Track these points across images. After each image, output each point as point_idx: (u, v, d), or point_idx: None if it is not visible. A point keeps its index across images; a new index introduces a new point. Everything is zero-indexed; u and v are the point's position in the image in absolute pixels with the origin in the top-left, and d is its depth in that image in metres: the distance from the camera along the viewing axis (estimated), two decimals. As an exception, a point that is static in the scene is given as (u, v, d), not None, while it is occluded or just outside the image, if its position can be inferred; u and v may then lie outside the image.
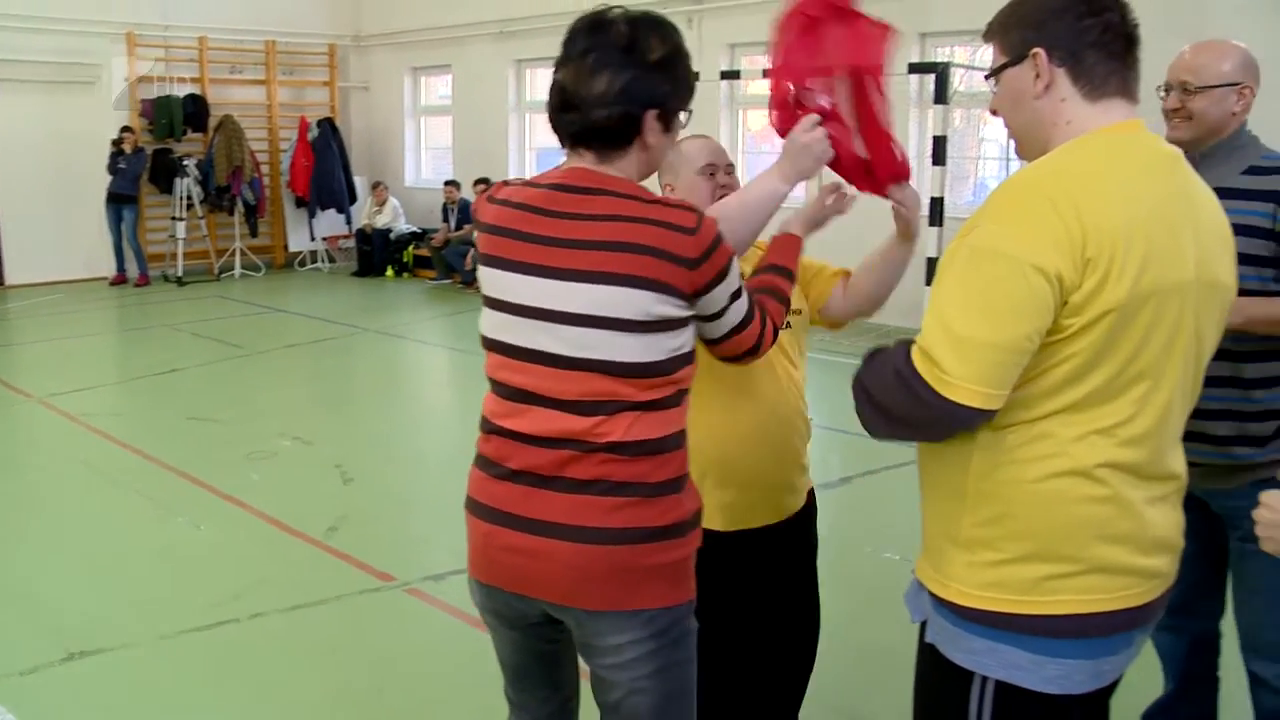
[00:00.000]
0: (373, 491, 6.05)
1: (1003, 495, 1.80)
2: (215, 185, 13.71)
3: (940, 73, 8.05)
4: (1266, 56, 2.79)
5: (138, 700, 3.78)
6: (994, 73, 1.92)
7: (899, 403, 1.79)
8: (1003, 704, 1.84)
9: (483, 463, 2.14)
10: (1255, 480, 2.58)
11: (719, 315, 2.06)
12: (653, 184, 2.72)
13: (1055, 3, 1.83)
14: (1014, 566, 1.80)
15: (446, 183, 13.74)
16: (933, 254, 7.23)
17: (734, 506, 2.63)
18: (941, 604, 1.89)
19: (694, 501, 2.13)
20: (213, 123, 13.90)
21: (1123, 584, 1.81)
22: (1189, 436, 2.54)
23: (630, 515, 2.00)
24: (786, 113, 2.39)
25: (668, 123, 2.07)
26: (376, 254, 14.27)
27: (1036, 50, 1.82)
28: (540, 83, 13.44)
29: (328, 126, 14.65)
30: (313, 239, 14.85)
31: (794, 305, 2.62)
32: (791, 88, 2.38)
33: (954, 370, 1.71)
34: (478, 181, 12.91)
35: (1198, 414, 2.56)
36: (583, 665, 2.20)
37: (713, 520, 2.60)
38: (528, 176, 2.17)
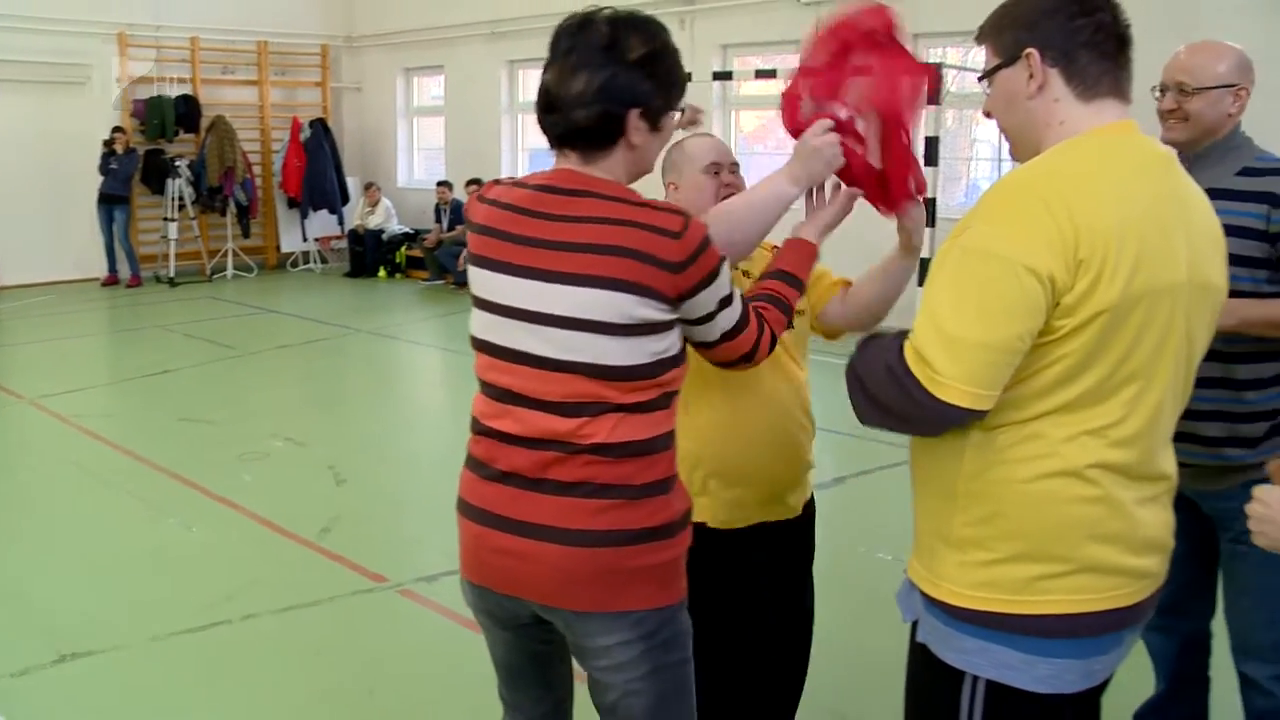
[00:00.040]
0: (365, 492, 6.05)
1: (994, 495, 1.80)
2: (207, 186, 13.69)
3: (932, 74, 8.06)
4: (1259, 57, 2.79)
5: (129, 702, 3.77)
6: (987, 74, 1.92)
7: (891, 397, 1.80)
8: (994, 704, 1.85)
9: (473, 464, 2.14)
10: (1246, 481, 2.57)
11: (707, 320, 2.04)
12: (655, 184, 2.74)
13: (1047, 3, 1.83)
14: (1005, 566, 1.80)
15: (439, 183, 13.73)
16: (925, 254, 7.23)
17: (741, 504, 2.63)
18: (933, 603, 1.89)
19: (682, 502, 2.12)
20: (205, 123, 13.88)
21: (1113, 584, 1.81)
22: (1180, 437, 2.55)
23: (615, 517, 2.00)
24: (797, 114, 2.36)
25: (654, 122, 2.05)
26: (369, 255, 14.26)
27: (1030, 51, 1.82)
28: (533, 83, 13.39)
29: (320, 127, 14.63)
30: (305, 240, 14.83)
31: (798, 306, 2.64)
32: (808, 98, 2.34)
33: (945, 370, 1.72)
34: (470, 182, 12.91)
35: (1189, 415, 2.57)
36: (579, 668, 2.19)
37: (718, 517, 2.62)
38: (519, 176, 2.17)
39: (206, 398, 8.12)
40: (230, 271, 14.09)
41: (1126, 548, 1.81)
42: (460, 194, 13.28)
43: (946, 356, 1.72)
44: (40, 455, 6.72)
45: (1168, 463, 1.91)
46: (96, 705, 3.75)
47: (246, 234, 14.33)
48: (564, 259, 1.97)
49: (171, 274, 13.39)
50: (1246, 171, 2.68)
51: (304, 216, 14.62)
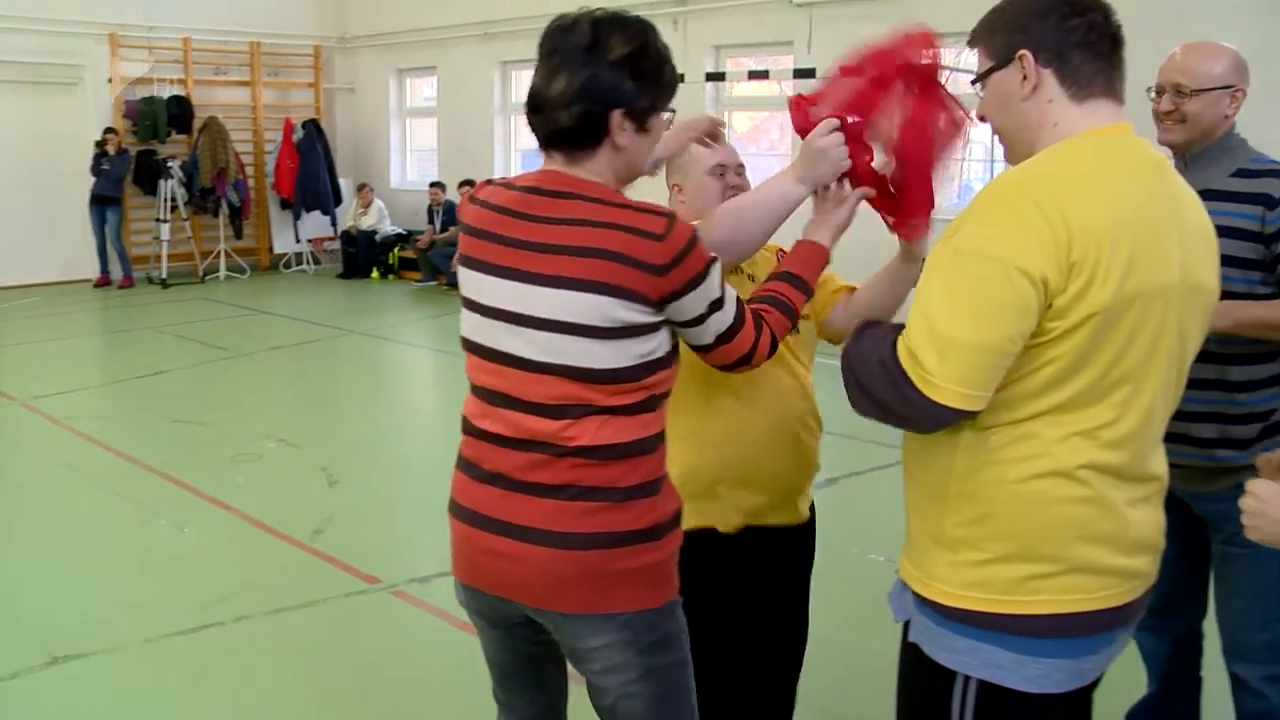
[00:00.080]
0: (358, 494, 6.04)
1: (986, 496, 1.81)
2: (200, 187, 13.65)
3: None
4: (1252, 57, 2.79)
5: (122, 704, 3.77)
6: (980, 77, 1.92)
7: (884, 394, 1.81)
8: (985, 703, 1.85)
9: (464, 465, 2.14)
10: (1238, 483, 2.58)
11: (698, 323, 2.03)
12: (660, 186, 2.73)
13: (1040, 5, 1.83)
14: (997, 566, 1.80)
15: (432, 184, 13.72)
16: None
17: (750, 509, 2.60)
18: (924, 603, 1.90)
19: (671, 504, 2.12)
20: (197, 124, 13.84)
21: (1104, 584, 1.81)
22: (1173, 438, 2.55)
23: (601, 520, 2.00)
24: (806, 114, 2.31)
25: (640, 123, 2.03)
26: (362, 256, 14.24)
27: (1023, 52, 1.83)
28: (525, 84, 13.36)
29: (313, 128, 14.61)
30: (298, 241, 14.80)
31: (802, 311, 2.62)
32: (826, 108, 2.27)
33: (937, 370, 1.72)
34: (463, 183, 12.87)
35: (1182, 416, 2.57)
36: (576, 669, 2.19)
37: (729, 522, 2.59)
38: (510, 177, 2.16)
39: (199, 399, 8.10)
40: (223, 273, 14.06)
41: (1117, 548, 1.82)
42: (453, 195, 13.26)
43: (938, 357, 1.72)
44: (32, 457, 6.71)
45: (1159, 463, 1.91)
46: (89, 707, 3.74)
47: (239, 235, 14.30)
48: (547, 261, 1.97)
49: (164, 275, 13.36)
50: (1241, 173, 2.67)
51: (297, 218, 14.59)
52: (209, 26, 14.08)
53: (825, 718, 3.51)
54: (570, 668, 2.23)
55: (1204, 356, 2.55)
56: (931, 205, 2.31)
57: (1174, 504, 2.76)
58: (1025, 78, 1.83)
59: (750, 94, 11.75)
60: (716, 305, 2.02)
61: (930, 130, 2.21)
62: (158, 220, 13.38)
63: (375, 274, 14.24)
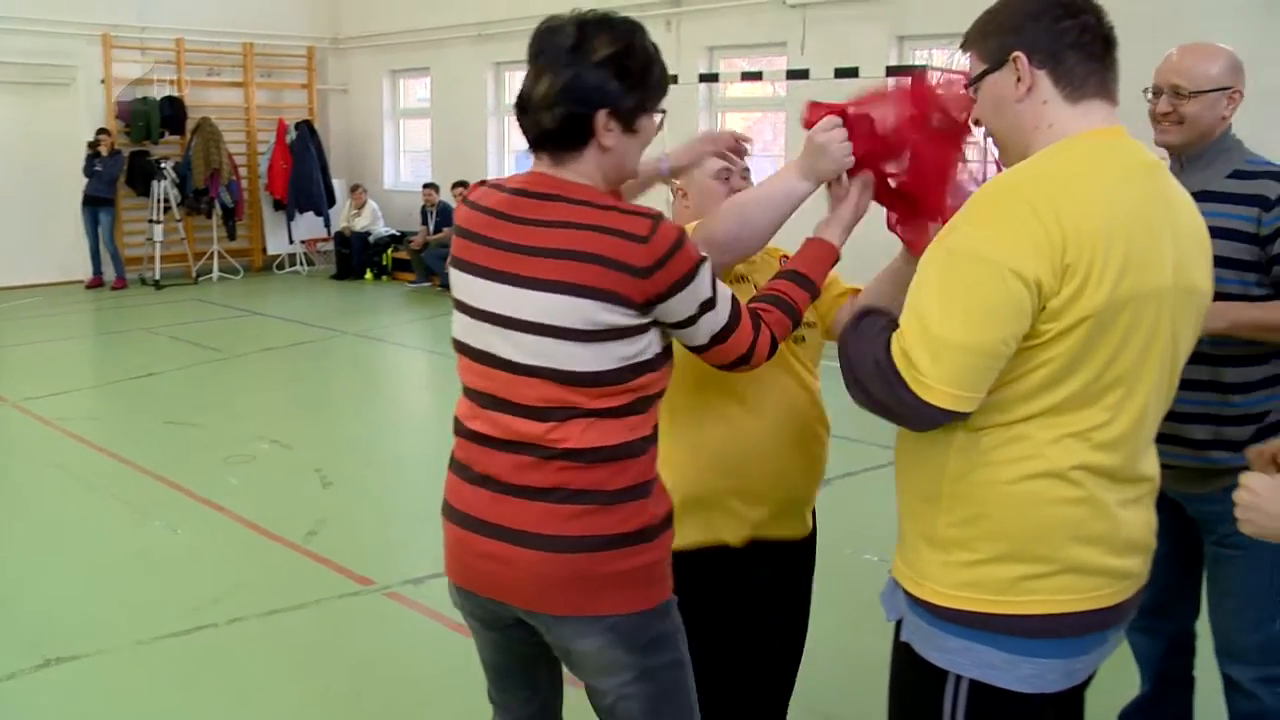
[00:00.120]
0: (352, 495, 6.03)
1: (978, 496, 1.81)
2: (193, 188, 13.63)
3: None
4: (1247, 58, 2.78)
5: (115, 706, 3.76)
6: (974, 80, 1.92)
7: (878, 391, 1.81)
8: (977, 703, 1.86)
9: (456, 466, 2.15)
10: (1231, 485, 2.58)
11: (689, 324, 2.01)
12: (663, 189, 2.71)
13: (1032, 7, 1.84)
14: (989, 567, 1.81)
15: (425, 185, 13.70)
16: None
17: (757, 520, 2.56)
18: (917, 603, 1.90)
19: (662, 506, 2.11)
20: (190, 125, 13.83)
21: (1096, 584, 1.82)
22: (1166, 439, 2.54)
23: (588, 523, 1.99)
24: (817, 114, 2.25)
25: (627, 123, 2.01)
26: (355, 257, 14.23)
27: (1017, 54, 1.83)
28: (518, 85, 13.42)
29: (306, 129, 14.60)
30: (291, 242, 14.79)
31: (808, 319, 2.55)
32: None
33: (929, 372, 1.73)
34: (456, 184, 12.90)
35: (1176, 417, 2.57)
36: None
37: (735, 535, 2.55)
38: (502, 179, 2.16)
39: (192, 400, 8.09)
40: (216, 274, 14.04)
41: (1109, 549, 1.82)
42: (447, 196, 13.27)
43: (931, 358, 1.73)
44: (24, 458, 6.69)
45: (1150, 464, 1.92)
46: (81, 710, 3.73)
47: (232, 236, 14.28)
48: (531, 264, 1.96)
49: (157, 276, 13.34)
50: (1237, 174, 2.67)
51: (290, 219, 14.58)
52: (202, 27, 14.07)
53: (817, 717, 3.52)
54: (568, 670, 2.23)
55: (1198, 358, 2.55)
56: (945, 215, 2.27)
57: (1167, 505, 2.76)
58: (1019, 79, 1.83)
59: (743, 95, 11.76)
60: (708, 305, 2.01)
61: (951, 173, 2.18)
62: (151, 221, 13.36)
63: (369, 275, 14.23)
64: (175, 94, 13.85)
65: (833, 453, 2.67)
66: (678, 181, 2.67)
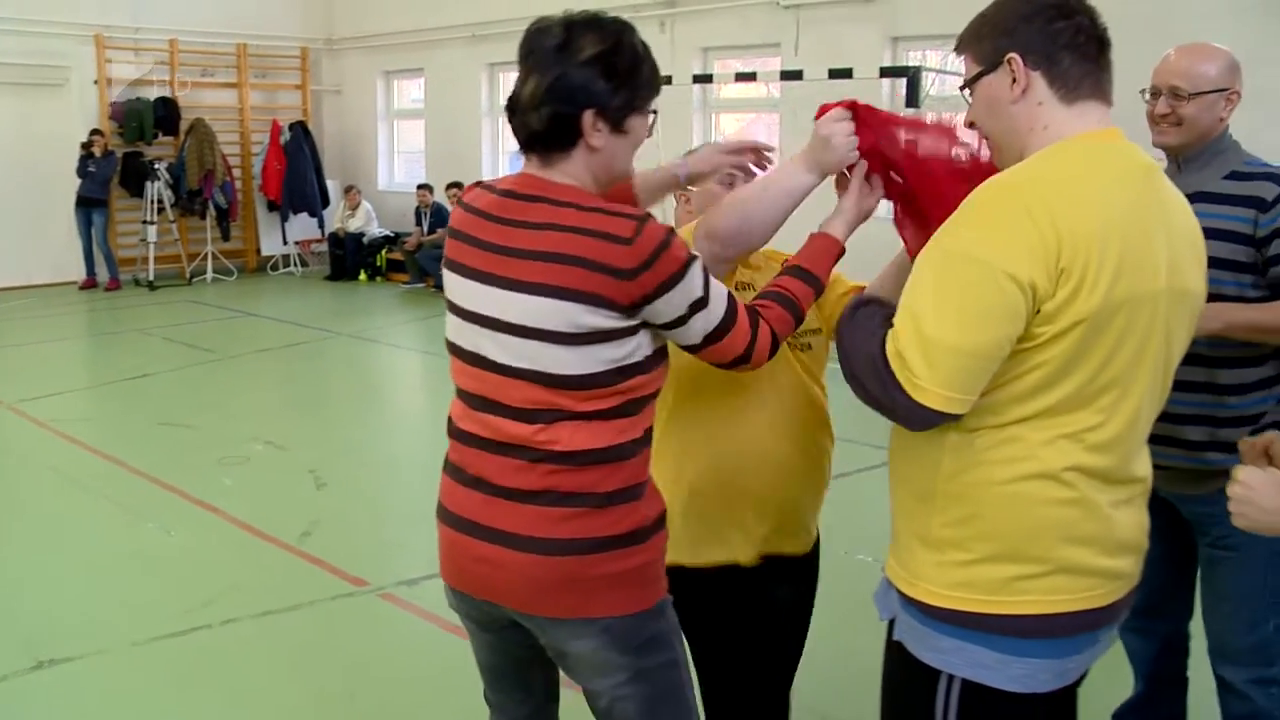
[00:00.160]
0: (346, 496, 6.03)
1: (972, 497, 1.82)
2: (187, 189, 13.62)
3: (911, 77, 8.10)
4: (1242, 60, 2.78)
5: (108, 708, 3.76)
6: (969, 83, 1.92)
7: (872, 387, 1.82)
8: (969, 702, 1.86)
9: (449, 468, 2.14)
10: (1226, 486, 2.59)
11: (680, 324, 1.97)
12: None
13: (1026, 8, 1.84)
14: (982, 567, 1.81)
15: (419, 186, 13.72)
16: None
17: (764, 535, 2.51)
18: (910, 602, 1.90)
19: (654, 507, 2.09)
20: (184, 126, 13.82)
21: (1088, 585, 1.82)
22: (1162, 440, 2.54)
23: (579, 526, 1.98)
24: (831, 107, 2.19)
25: (615, 123, 1.99)
26: (349, 258, 14.22)
27: (1011, 55, 1.83)
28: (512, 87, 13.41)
29: (300, 130, 14.59)
30: (285, 243, 14.77)
31: (813, 325, 2.51)
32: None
33: (922, 374, 1.73)
34: (450, 185, 12.90)
35: (1171, 418, 2.57)
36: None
37: (747, 553, 2.50)
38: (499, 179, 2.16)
39: (186, 402, 8.08)
40: (210, 275, 14.03)
41: (1101, 549, 1.82)
42: (441, 197, 13.27)
43: (924, 360, 1.73)
44: (17, 460, 6.68)
45: (1143, 465, 1.92)
46: (75, 712, 3.73)
47: (226, 237, 14.27)
48: (517, 266, 1.95)
49: (150, 277, 13.32)
50: (1234, 175, 2.66)
51: (284, 219, 14.57)
52: (195, 28, 14.06)
53: (811, 716, 3.52)
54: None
55: (1194, 359, 2.55)
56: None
57: (1161, 506, 2.77)
58: (1015, 81, 1.83)
59: (738, 96, 11.77)
60: (699, 305, 1.97)
61: (962, 174, 2.08)
62: (144, 222, 13.34)
63: (363, 276, 14.23)
64: (169, 95, 13.84)
65: (827, 453, 2.65)
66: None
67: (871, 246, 2.66)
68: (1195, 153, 2.70)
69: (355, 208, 14.40)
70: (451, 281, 2.09)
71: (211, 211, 13.94)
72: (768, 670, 2.69)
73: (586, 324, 1.91)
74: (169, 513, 5.62)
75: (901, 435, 1.92)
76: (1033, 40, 1.82)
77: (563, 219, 1.94)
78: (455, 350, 2.10)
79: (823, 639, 3.72)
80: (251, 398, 8.43)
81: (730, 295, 2.03)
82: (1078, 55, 1.82)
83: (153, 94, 13.72)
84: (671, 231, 1.95)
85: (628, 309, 1.92)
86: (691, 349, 2.04)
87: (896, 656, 1.95)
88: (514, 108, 2.02)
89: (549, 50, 1.96)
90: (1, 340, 10.39)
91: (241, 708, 3.74)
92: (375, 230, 14.38)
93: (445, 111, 14.19)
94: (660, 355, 2.05)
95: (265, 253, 14.88)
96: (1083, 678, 1.99)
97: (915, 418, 1.79)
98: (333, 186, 14.94)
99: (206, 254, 14.03)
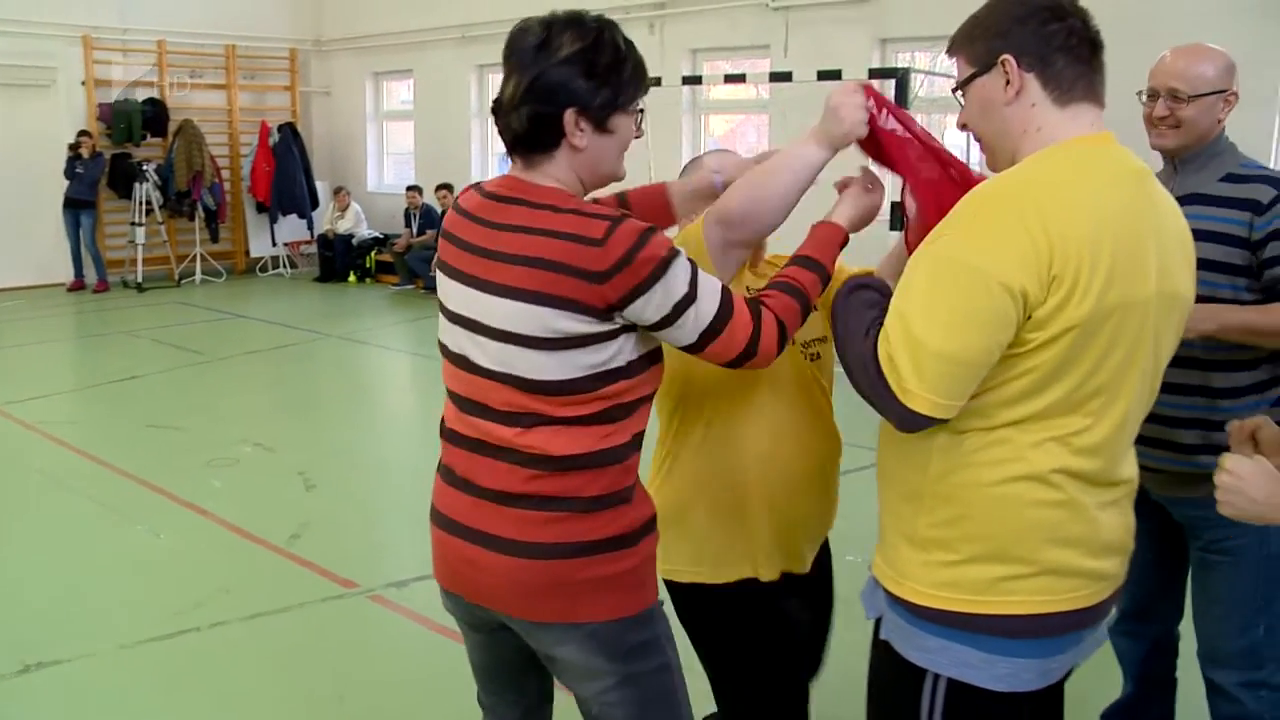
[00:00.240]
0: (335, 498, 6.02)
1: (960, 498, 1.82)
2: (175, 190, 13.57)
3: (900, 78, 8.10)
4: (1239, 61, 2.78)
5: (96, 712, 3.74)
6: (962, 84, 1.92)
7: (864, 386, 1.83)
8: (954, 701, 1.87)
9: (442, 470, 2.14)
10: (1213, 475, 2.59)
11: (668, 324, 1.92)
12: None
13: (1019, 10, 1.84)
14: (969, 567, 1.82)
15: (409, 188, 13.68)
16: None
17: (785, 551, 2.50)
18: (896, 601, 1.91)
19: (643, 511, 2.07)
20: (172, 127, 13.77)
21: (1074, 585, 1.83)
22: (1155, 443, 2.54)
23: (564, 530, 1.96)
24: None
25: (598, 122, 1.95)
26: (338, 259, 14.19)
27: (1005, 57, 1.83)
28: (503, 88, 13.39)
29: (289, 131, 14.55)
30: (274, 244, 14.74)
31: (820, 334, 2.47)
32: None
33: (911, 379, 1.74)
34: (440, 187, 12.88)
35: (1164, 421, 2.57)
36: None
37: (769, 570, 2.48)
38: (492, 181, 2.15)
39: (175, 404, 8.06)
40: (199, 276, 13.99)
41: (1087, 551, 1.83)
42: (430, 198, 13.25)
43: (913, 365, 1.74)
44: (4, 463, 6.64)
45: (1129, 467, 1.93)
46: (62, 716, 3.71)
47: (215, 239, 14.22)
48: (496, 269, 1.94)
49: (139, 279, 13.27)
50: (1230, 178, 2.65)
51: (273, 221, 14.54)
52: (184, 29, 14.00)
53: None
54: None
55: (1188, 363, 2.55)
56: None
57: (1153, 509, 2.78)
58: (1008, 83, 1.84)
59: (727, 97, 11.78)
60: (687, 301, 1.91)
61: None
62: (133, 224, 13.29)
63: (352, 277, 14.19)
64: (157, 96, 13.80)
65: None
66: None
67: (873, 247, 2.65)
68: (1192, 155, 2.69)
69: (344, 209, 14.37)
70: (442, 282, 2.10)
71: (200, 213, 13.88)
72: (785, 685, 2.67)
73: (561, 329, 1.88)
74: (157, 515, 5.60)
75: (889, 436, 1.93)
76: (1027, 42, 1.82)
77: (537, 222, 1.92)
78: (444, 351, 2.10)
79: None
80: (240, 399, 8.41)
81: (726, 288, 1.97)
82: (1071, 57, 1.83)
83: (141, 95, 13.67)
84: (650, 230, 1.90)
85: (603, 312, 1.89)
86: (691, 349, 1.97)
87: (883, 655, 1.96)
88: (498, 109, 2.01)
89: (529, 50, 1.94)
90: (-11, 342, 10.35)
91: (230, 710, 3.73)
92: (364, 232, 14.36)
93: (434, 113, 14.17)
94: (648, 360, 2.01)
95: (254, 254, 14.83)
96: (1068, 675, 1.99)
97: (903, 420, 1.79)
98: (322, 188, 14.91)
99: (195, 256, 13.98)
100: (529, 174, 2.00)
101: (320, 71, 15.75)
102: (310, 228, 14.69)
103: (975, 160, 2.13)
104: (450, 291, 2.05)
